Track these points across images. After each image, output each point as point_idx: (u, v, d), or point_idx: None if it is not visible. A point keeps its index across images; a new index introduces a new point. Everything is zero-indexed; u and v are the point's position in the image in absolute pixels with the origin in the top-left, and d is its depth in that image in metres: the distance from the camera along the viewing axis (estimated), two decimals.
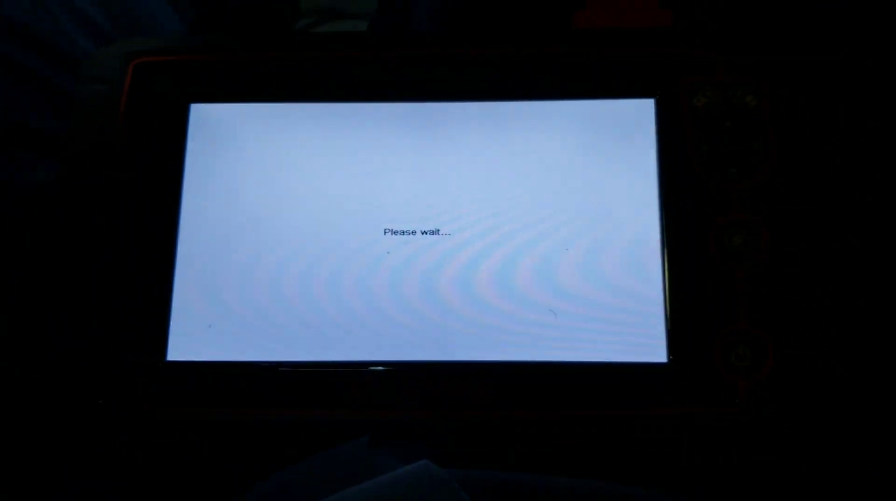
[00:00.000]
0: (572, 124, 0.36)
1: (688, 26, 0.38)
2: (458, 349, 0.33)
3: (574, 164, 0.35)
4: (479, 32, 0.36)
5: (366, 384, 0.33)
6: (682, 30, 0.37)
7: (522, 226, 0.34)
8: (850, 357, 0.32)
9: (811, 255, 0.33)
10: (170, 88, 0.36)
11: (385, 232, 0.35)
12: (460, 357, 0.33)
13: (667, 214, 0.34)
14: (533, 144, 0.35)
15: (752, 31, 0.37)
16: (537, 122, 0.36)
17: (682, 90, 0.35)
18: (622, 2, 0.39)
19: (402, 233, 0.34)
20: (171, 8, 0.53)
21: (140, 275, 0.34)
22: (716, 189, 0.34)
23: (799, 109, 0.35)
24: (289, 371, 0.33)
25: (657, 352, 0.33)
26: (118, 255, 0.34)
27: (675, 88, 0.36)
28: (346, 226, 0.35)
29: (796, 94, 0.35)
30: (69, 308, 0.34)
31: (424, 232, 0.34)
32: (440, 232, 0.34)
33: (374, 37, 0.36)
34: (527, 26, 0.41)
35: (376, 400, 0.33)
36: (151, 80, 0.36)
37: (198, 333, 0.34)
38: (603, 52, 0.36)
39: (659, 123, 0.35)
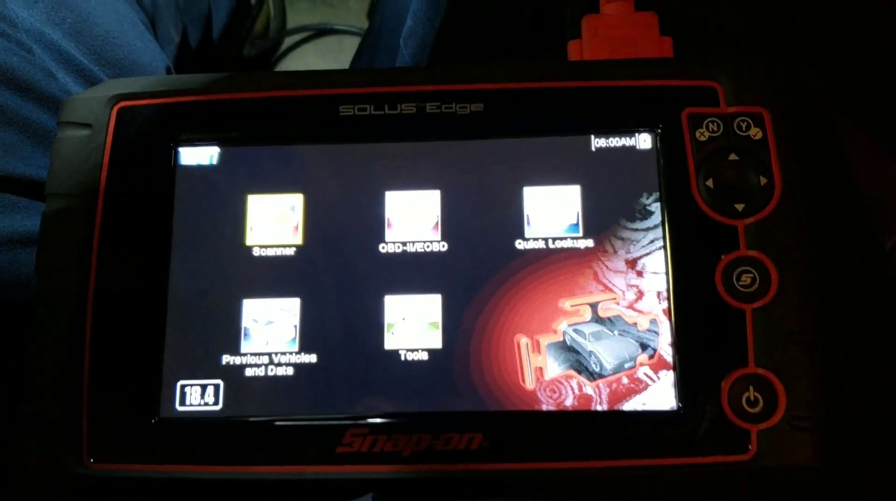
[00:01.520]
0: (571, 161, 0.34)
1: (689, 56, 0.36)
2: (459, 398, 0.32)
3: (574, 203, 0.34)
4: (469, 66, 0.35)
5: (365, 437, 0.32)
6: (683, 60, 0.36)
7: (526, 270, 0.33)
8: (864, 400, 0.31)
9: (821, 293, 0.32)
10: (156, 132, 0.35)
11: (385, 283, 0.33)
12: (462, 407, 0.32)
13: (672, 252, 0.33)
14: (529, 183, 0.34)
15: (757, 60, 0.36)
16: (533, 160, 0.35)
17: (685, 124, 0.34)
18: (620, 30, 0.38)
19: (401, 284, 0.33)
20: (156, 42, 0.52)
21: (129, 328, 0.33)
22: (722, 226, 0.33)
23: (806, 141, 0.34)
24: (285, 426, 0.32)
25: (666, 399, 0.32)
26: (106, 308, 0.33)
27: (676, 122, 0.34)
28: (342, 276, 0.34)
29: (803, 125, 0.34)
30: (56, 364, 0.32)
31: (424, 285, 0.33)
32: (439, 284, 0.33)
33: (363, 73, 0.35)
34: (519, 59, 0.40)
35: (374, 454, 0.32)
36: (136, 123, 0.35)
37: (191, 388, 0.33)
38: (600, 85, 0.35)
39: (661, 158, 0.34)
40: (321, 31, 1.00)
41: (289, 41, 0.99)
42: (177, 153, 0.35)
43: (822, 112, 0.35)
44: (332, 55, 0.99)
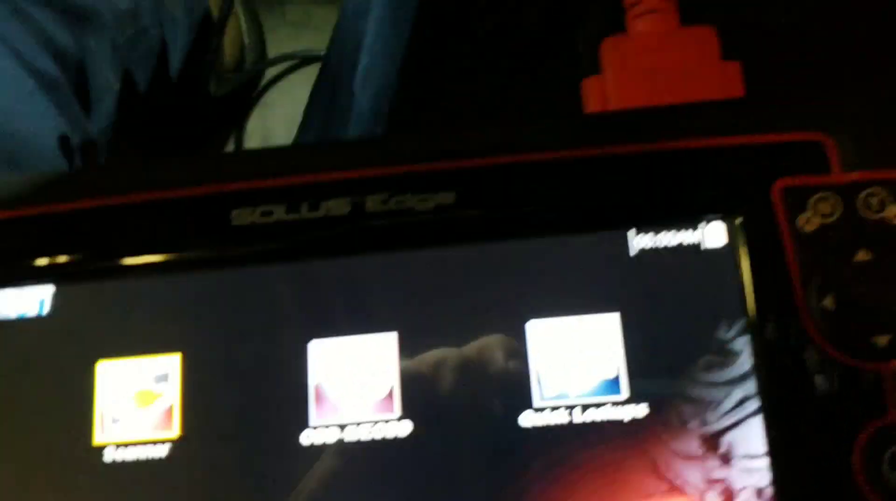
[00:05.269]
0: (601, 275, 0.22)
1: (772, 93, 0.24)
2: None
3: (612, 344, 0.21)
4: (431, 133, 0.23)
5: None
6: (766, 100, 0.23)
7: (539, 462, 0.21)
8: None
9: None
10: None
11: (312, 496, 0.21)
12: None
13: (776, 421, 0.20)
14: (536, 313, 0.22)
15: (880, 95, 0.23)
16: (540, 275, 0.22)
17: (778, 204, 0.22)
18: (661, 55, 0.25)
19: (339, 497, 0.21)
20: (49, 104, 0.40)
21: None
22: (856, 374, 0.20)
23: None
24: None
25: None
26: None
27: (765, 202, 0.22)
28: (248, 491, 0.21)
29: None
30: None
31: (376, 495, 0.21)
32: (399, 493, 0.21)
33: (263, 155, 0.23)
34: (512, 114, 0.27)
35: None
36: None
37: None
38: (640, 152, 0.22)
39: (741, 263, 0.22)
40: (306, 60, 0.88)
41: (271, 72, 0.88)
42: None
43: None
44: None
